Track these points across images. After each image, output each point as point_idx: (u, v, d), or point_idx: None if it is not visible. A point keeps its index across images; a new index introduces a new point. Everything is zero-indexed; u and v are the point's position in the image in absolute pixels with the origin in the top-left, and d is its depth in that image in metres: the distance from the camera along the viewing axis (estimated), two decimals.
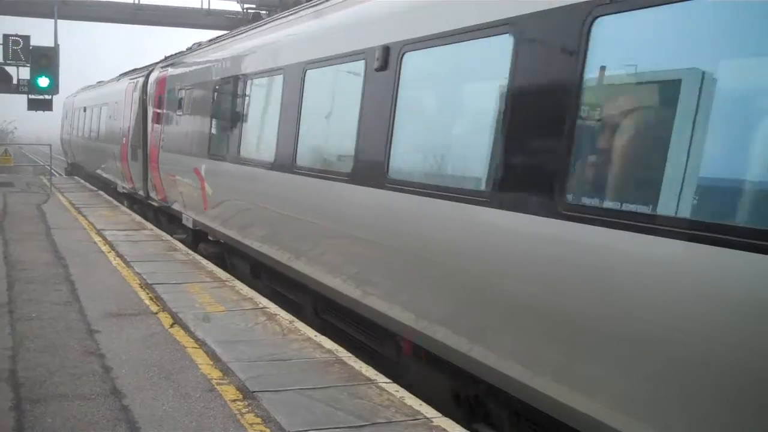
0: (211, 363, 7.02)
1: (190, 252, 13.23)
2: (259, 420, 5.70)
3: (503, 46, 5.51)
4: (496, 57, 5.63)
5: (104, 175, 23.57)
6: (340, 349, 7.59)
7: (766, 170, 3.82)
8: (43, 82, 22.37)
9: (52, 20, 25.85)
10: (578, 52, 4.82)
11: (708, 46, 4.23)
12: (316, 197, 8.36)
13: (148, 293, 9.79)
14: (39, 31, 25.66)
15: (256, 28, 12.03)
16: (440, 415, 5.89)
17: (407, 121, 6.94)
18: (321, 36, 9.00)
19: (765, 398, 3.63)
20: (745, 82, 4.09)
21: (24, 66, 22.74)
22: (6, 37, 22.39)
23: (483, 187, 5.71)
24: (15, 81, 23.72)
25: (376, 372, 6.88)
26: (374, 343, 7.94)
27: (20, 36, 22.37)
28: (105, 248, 13.29)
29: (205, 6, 31.92)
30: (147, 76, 18.35)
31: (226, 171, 11.63)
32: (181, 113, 14.71)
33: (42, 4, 28.39)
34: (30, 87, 22.94)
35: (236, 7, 31.62)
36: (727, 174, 4.04)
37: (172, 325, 8.29)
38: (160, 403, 6.01)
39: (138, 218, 18.00)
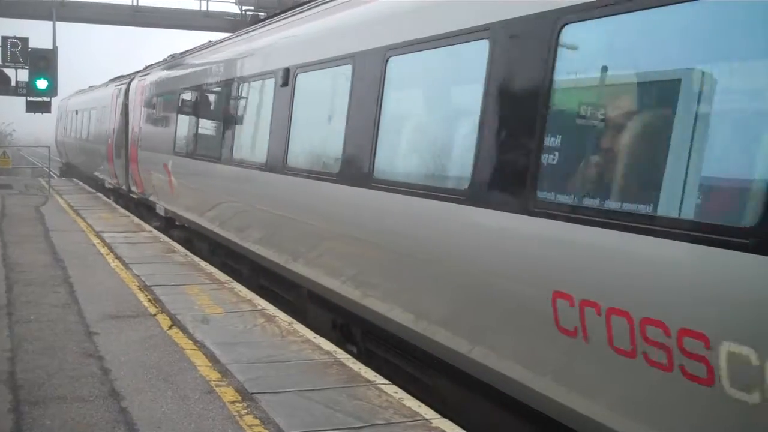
0: (210, 365, 7.02)
1: (189, 254, 13.23)
2: (258, 422, 5.70)
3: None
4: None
5: (94, 172, 25.85)
6: (339, 350, 7.59)
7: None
8: (42, 84, 22.39)
9: (51, 22, 25.86)
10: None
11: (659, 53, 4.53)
12: (244, 184, 10.95)
13: (146, 295, 9.79)
14: (38, 33, 25.70)
15: (209, 47, 15.03)
16: (439, 416, 5.90)
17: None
18: (247, 58, 11.72)
19: None
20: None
21: (23, 68, 22.75)
22: (4, 39, 22.40)
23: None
24: (13, 83, 23.72)
25: (375, 373, 6.89)
26: (282, 290, 10.45)
27: (19, 38, 22.37)
28: (104, 250, 13.28)
29: (204, 8, 31.92)
30: (129, 84, 20.53)
31: (186, 165, 14.01)
32: (154, 116, 17.10)
33: (40, 6, 28.40)
34: (28, 89, 22.94)
35: (235, 9, 31.65)
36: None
37: (170, 327, 8.28)
38: (158, 404, 6.01)
39: (136, 220, 18.00)
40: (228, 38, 14.24)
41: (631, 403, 4.44)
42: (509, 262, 5.32)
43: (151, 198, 17.43)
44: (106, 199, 23.03)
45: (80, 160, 28.90)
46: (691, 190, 4.14)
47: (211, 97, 13.31)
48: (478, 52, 5.76)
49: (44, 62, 22.29)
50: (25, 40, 22.24)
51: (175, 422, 5.67)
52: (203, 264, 12.28)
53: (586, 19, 4.81)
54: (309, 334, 8.17)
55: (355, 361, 7.27)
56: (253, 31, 12.24)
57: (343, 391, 6.37)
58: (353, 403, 6.11)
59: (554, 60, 4.99)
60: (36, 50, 22.46)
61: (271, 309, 9.26)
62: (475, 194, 5.70)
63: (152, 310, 9.04)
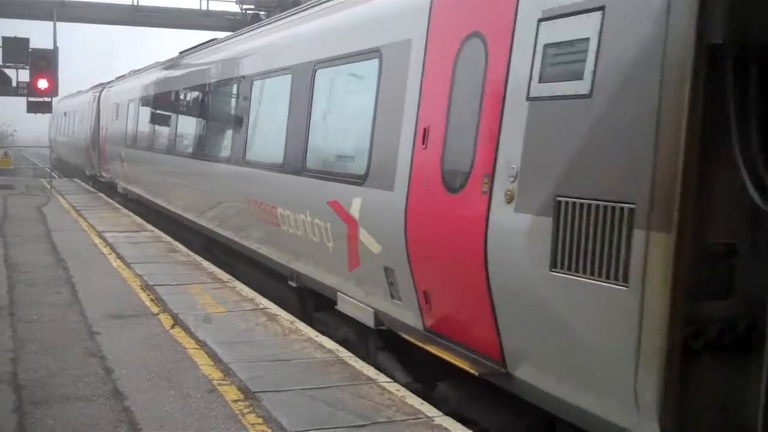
0: (212, 364, 7.03)
1: (191, 253, 13.24)
2: (260, 420, 5.71)
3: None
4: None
5: (77, 163, 31.71)
6: (341, 349, 7.60)
7: None
8: (43, 84, 22.36)
9: (51, 22, 25.84)
10: None
11: None
12: (161, 165, 16.34)
13: (148, 294, 9.80)
14: (39, 32, 25.69)
15: (151, 68, 20.24)
16: (441, 414, 5.90)
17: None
18: (193, 71, 15.08)
19: None
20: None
21: (23, 68, 22.73)
22: (5, 39, 22.39)
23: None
24: (14, 83, 23.72)
25: (377, 372, 6.89)
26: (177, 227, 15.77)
27: (19, 38, 22.36)
28: (105, 250, 13.30)
29: (204, 7, 31.89)
30: (101, 92, 25.93)
31: (132, 154, 19.50)
32: (115, 118, 22.30)
33: (40, 6, 28.39)
34: (29, 89, 22.93)
35: (235, 8, 31.62)
36: None
37: (172, 326, 8.29)
38: (161, 404, 6.02)
39: (138, 220, 18.02)
40: (166, 61, 18.83)
41: None
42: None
43: (114, 180, 23.07)
44: (108, 199, 23.06)
45: (67, 154, 34.53)
46: None
47: (148, 106, 18.32)
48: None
49: (45, 62, 22.26)
50: (25, 41, 22.21)
51: (178, 421, 5.68)
52: (205, 263, 12.29)
53: None
54: (311, 332, 8.18)
55: (357, 359, 7.27)
56: (181, 58, 16.99)
57: (345, 390, 6.37)
58: (356, 401, 6.11)
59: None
60: (36, 50, 22.45)
61: (273, 308, 9.27)
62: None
63: (154, 309, 9.06)
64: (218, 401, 6.07)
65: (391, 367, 7.18)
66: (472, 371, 5.74)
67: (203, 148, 13.17)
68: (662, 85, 4.05)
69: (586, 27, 4.59)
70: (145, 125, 18.34)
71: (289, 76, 9.43)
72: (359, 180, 7.27)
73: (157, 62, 19.73)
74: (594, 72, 4.51)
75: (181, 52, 17.28)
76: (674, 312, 4.02)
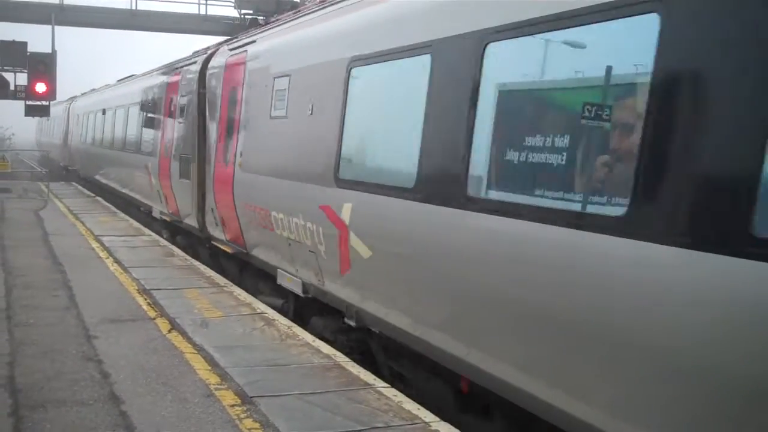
0: (210, 368, 7.02)
1: (188, 258, 13.24)
2: (257, 425, 5.70)
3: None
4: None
5: (54, 157, 39.21)
6: (339, 354, 7.59)
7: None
8: (41, 88, 22.34)
9: (49, 26, 25.82)
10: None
11: None
12: (103, 156, 23.98)
13: (145, 299, 9.79)
14: (37, 36, 25.68)
15: (101, 89, 28.97)
16: (438, 419, 5.90)
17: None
18: (114, 94, 23.42)
19: None
20: None
21: (21, 72, 22.70)
22: (3, 43, 22.35)
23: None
24: (12, 87, 23.69)
25: (374, 377, 6.89)
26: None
27: (17, 42, 22.33)
28: (103, 254, 13.29)
29: (202, 12, 31.92)
30: (70, 104, 34.75)
31: (86, 149, 27.84)
32: (77, 124, 31.03)
33: (38, 10, 28.39)
34: (27, 93, 22.90)
35: (234, 13, 31.66)
36: None
37: (170, 331, 8.29)
38: (158, 408, 6.01)
39: (136, 224, 18.01)
40: (104, 86, 28.29)
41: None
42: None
43: (77, 168, 31.44)
44: (105, 203, 23.06)
45: (49, 150, 42.44)
46: None
47: (91, 115, 26.85)
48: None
49: (43, 66, 22.24)
50: (23, 44, 22.18)
51: (175, 426, 5.67)
52: (202, 268, 12.29)
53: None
54: (308, 337, 8.18)
55: (354, 364, 7.27)
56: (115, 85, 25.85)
57: (342, 395, 6.37)
58: (353, 406, 6.11)
59: None
60: (34, 54, 22.43)
61: (270, 312, 9.26)
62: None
63: (151, 313, 9.05)
64: (215, 406, 6.07)
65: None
66: (229, 251, 12.06)
67: (115, 143, 21.84)
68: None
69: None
70: (90, 129, 27.00)
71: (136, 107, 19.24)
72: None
73: (107, 85, 28.68)
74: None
75: (119, 80, 26.16)
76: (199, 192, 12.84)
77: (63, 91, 32.56)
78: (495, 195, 5.53)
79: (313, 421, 5.81)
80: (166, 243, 14.97)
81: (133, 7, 31.04)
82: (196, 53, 15.03)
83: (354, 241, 7.38)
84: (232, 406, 6.08)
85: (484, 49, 5.67)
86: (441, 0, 6.59)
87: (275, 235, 9.61)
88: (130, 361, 7.18)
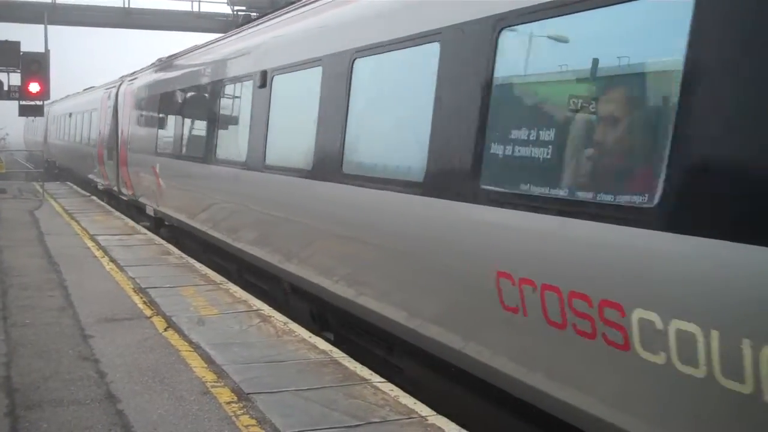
0: (206, 366, 7.03)
1: (184, 256, 13.23)
2: (254, 422, 5.71)
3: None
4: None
5: (36, 150, 44.31)
6: (335, 349, 7.60)
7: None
8: (34, 87, 22.28)
9: (42, 25, 25.76)
10: None
11: None
12: (69, 147, 32.38)
13: (141, 297, 9.79)
14: (31, 36, 25.61)
15: (73, 95, 35.45)
16: (435, 413, 5.91)
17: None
18: (77, 101, 31.77)
19: None
20: None
21: (15, 72, 22.64)
22: None
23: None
24: (6, 87, 23.63)
25: (370, 372, 6.90)
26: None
27: (10, 41, 22.27)
28: (98, 253, 13.27)
29: (196, 9, 31.88)
30: (49, 107, 37.42)
31: (58, 144, 36.31)
32: (53, 123, 38.31)
33: (31, 9, 28.34)
34: (21, 93, 22.85)
35: (227, 10, 31.61)
36: None
37: (166, 329, 8.29)
38: (155, 406, 6.01)
39: (131, 223, 17.99)
40: (74, 94, 34.68)
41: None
42: None
43: (54, 160, 37.05)
44: (100, 202, 23.05)
45: (34, 146, 47.90)
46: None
47: (61, 118, 34.24)
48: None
49: (36, 66, 22.18)
50: (16, 44, 22.12)
51: (172, 424, 5.68)
52: (198, 265, 12.28)
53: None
54: (304, 333, 8.18)
55: (351, 359, 7.28)
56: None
57: (339, 390, 6.38)
58: (349, 401, 6.12)
59: None
60: (28, 54, 22.36)
61: (267, 309, 9.27)
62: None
63: (147, 312, 9.05)
64: (212, 403, 6.07)
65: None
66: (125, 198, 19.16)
67: (76, 138, 29.41)
68: None
69: None
70: (61, 128, 34.58)
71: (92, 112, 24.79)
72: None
73: (75, 93, 34.98)
74: None
75: (84, 89, 32.48)
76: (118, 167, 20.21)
77: (63, 90, 36.49)
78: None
79: (310, 416, 5.82)
80: (161, 241, 14.96)
81: (127, 6, 31.00)
82: (122, 77, 22.42)
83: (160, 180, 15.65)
84: (229, 403, 6.08)
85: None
86: None
87: (145, 185, 17.22)
88: (126, 360, 7.17)
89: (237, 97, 11.22)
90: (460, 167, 5.55)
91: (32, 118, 44.62)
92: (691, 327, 3.74)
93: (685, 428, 3.97)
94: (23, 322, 8.55)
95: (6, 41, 22.16)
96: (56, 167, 36.70)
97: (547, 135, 4.83)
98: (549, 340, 4.70)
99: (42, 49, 22.88)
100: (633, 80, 4.52)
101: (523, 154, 4.99)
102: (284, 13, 10.43)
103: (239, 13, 30.29)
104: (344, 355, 7.43)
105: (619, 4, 4.44)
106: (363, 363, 7.17)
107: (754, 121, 3.64)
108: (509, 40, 5.31)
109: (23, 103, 23.38)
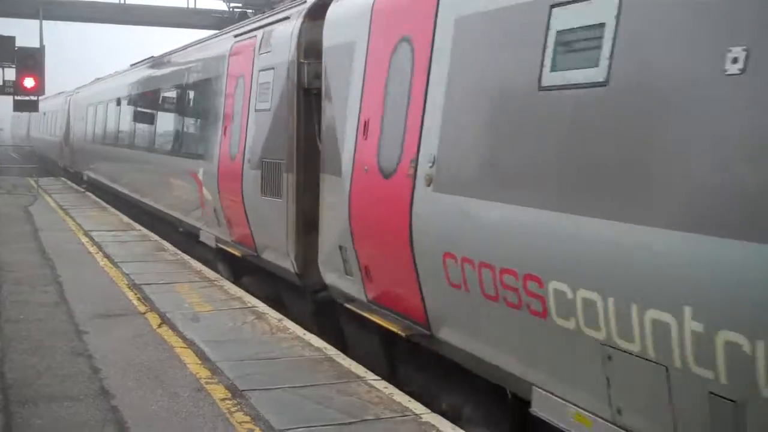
0: (200, 362, 7.02)
1: (178, 252, 13.21)
2: (248, 419, 5.70)
3: None
4: None
5: (21, 143, 49.65)
6: (329, 347, 7.60)
7: None
8: (29, 83, 22.23)
9: (37, 20, 25.71)
10: None
11: None
12: (44, 140, 39.68)
13: (135, 293, 9.77)
14: (28, 31, 25.55)
15: (53, 95, 37.21)
16: (429, 411, 5.91)
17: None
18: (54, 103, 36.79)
19: None
20: None
21: (10, 67, 22.57)
22: None
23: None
24: (1, 82, 23.58)
25: (365, 369, 6.90)
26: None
27: (5, 36, 22.20)
28: (92, 249, 13.25)
29: (192, 5, 31.79)
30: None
31: (46, 138, 38.49)
32: (36, 121, 42.37)
33: (26, 4, 28.24)
34: (16, 88, 22.79)
35: (223, 6, 31.52)
36: None
37: (160, 325, 8.28)
38: (148, 403, 6.01)
39: (126, 219, 17.96)
40: (58, 93, 36.67)
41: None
42: None
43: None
44: (95, 198, 23.00)
45: (21, 140, 51.03)
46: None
47: (41, 116, 38.28)
48: None
49: (31, 61, 22.12)
50: (11, 39, 22.05)
51: (165, 420, 5.67)
52: (193, 262, 12.26)
53: None
54: (299, 330, 8.18)
55: (345, 357, 7.28)
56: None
57: (333, 387, 6.38)
58: (343, 399, 6.12)
59: None
60: (23, 49, 22.30)
61: (261, 306, 9.26)
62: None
63: (141, 308, 9.03)
64: (206, 400, 6.07)
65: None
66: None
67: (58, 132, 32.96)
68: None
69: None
70: (43, 125, 38.83)
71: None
72: None
73: (57, 94, 36.35)
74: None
75: (58, 93, 35.85)
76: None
77: (61, 85, 37.23)
78: None
79: (304, 414, 5.82)
80: (156, 238, 14.94)
81: (122, 1, 30.91)
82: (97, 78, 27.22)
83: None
84: (223, 400, 6.08)
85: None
86: None
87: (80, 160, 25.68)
88: (120, 356, 7.16)
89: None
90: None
91: (17, 114, 47.24)
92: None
93: None
94: (17, 317, 8.53)
95: (1, 36, 22.10)
96: (36, 154, 38.28)
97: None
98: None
99: (37, 45, 22.81)
100: None
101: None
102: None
103: (235, 9, 30.21)
104: (338, 352, 7.43)
105: None
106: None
107: None
108: None
109: (18, 98, 23.31)
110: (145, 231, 15.89)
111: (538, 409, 4.87)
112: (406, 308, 6.46)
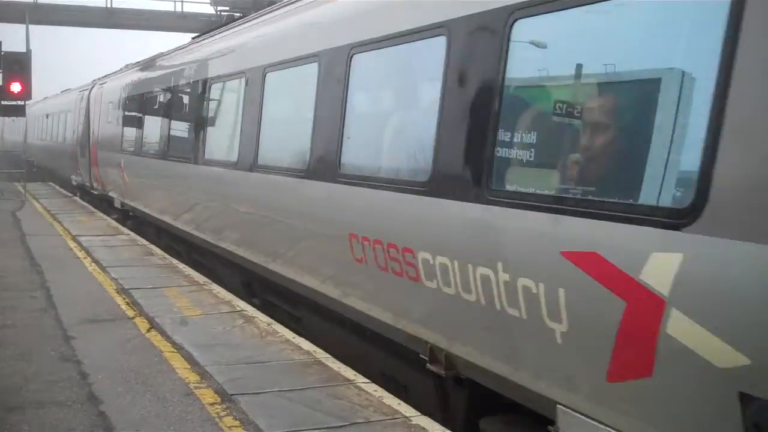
0: (189, 367, 7.00)
1: (167, 256, 13.18)
2: (237, 423, 5.69)
3: None
4: None
5: (10, 148, 47.91)
6: (319, 350, 7.59)
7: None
8: (16, 87, 22.12)
9: (24, 25, 25.62)
10: None
11: None
12: (44, 150, 36.01)
13: (124, 298, 9.74)
14: (14, 36, 25.45)
15: (42, 99, 37.24)
16: (418, 413, 5.91)
17: None
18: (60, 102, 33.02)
19: None
20: None
21: None
22: None
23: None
24: None
25: (354, 372, 6.89)
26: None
27: None
28: (81, 254, 13.20)
29: (179, 9, 31.79)
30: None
31: (34, 143, 36.19)
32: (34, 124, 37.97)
33: (12, 8, 28.17)
34: (2, 93, 22.67)
35: (210, 10, 31.53)
36: None
37: (148, 330, 8.25)
38: (137, 408, 5.98)
39: (114, 223, 17.90)
40: (50, 96, 36.64)
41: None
42: None
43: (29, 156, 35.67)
44: (83, 203, 22.93)
45: (10, 143, 50.79)
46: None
47: (43, 120, 34.27)
48: None
49: (18, 65, 22.02)
50: None
51: (154, 425, 5.65)
52: (181, 266, 12.23)
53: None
54: (288, 334, 8.17)
55: (335, 360, 7.27)
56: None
57: (323, 391, 6.37)
58: (333, 402, 6.11)
59: None
60: (9, 54, 22.20)
61: (250, 310, 9.24)
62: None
63: (130, 313, 9.00)
64: (195, 404, 6.05)
65: None
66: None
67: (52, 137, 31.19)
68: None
69: None
70: (38, 128, 35.95)
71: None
72: None
73: (63, 91, 33.72)
74: None
75: (45, 97, 36.29)
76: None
77: (48, 90, 36.81)
78: None
79: (294, 417, 5.81)
80: (145, 242, 14.90)
81: (109, 5, 30.86)
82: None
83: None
84: (212, 404, 6.06)
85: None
86: None
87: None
88: (108, 361, 7.13)
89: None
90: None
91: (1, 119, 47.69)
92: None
93: None
94: (5, 323, 8.49)
95: None
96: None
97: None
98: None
99: (24, 49, 22.71)
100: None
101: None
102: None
103: (222, 13, 30.21)
104: (328, 355, 7.42)
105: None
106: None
107: None
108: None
109: (5, 103, 23.19)
110: (133, 236, 15.83)
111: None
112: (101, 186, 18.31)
